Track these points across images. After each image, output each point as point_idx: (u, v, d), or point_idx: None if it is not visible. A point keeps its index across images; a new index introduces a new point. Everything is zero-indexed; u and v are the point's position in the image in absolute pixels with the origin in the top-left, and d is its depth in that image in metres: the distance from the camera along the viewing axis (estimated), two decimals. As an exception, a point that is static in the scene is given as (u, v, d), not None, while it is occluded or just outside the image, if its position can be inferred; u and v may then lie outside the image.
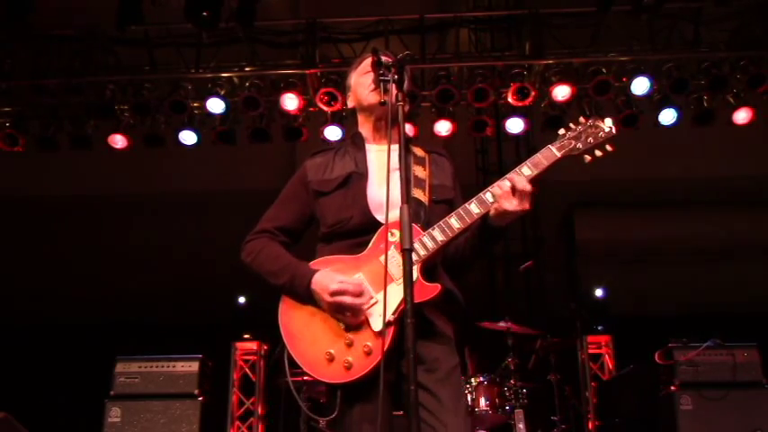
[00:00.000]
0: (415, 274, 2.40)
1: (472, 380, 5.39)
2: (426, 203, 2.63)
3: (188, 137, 6.85)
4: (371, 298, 2.45)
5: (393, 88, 2.48)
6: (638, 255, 9.25)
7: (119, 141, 6.84)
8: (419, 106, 6.68)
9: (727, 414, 5.42)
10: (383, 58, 2.55)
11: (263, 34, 6.65)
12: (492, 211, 2.50)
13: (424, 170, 2.73)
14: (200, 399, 5.90)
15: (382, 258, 2.45)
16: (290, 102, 6.61)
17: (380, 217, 2.54)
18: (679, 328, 6.35)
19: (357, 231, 2.55)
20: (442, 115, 6.75)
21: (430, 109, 6.79)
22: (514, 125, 6.81)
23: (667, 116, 6.60)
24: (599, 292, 8.70)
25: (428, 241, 2.49)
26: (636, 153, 8.36)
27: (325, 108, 6.64)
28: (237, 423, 7.42)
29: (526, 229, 8.73)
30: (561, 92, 6.47)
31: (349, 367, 2.40)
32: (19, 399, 6.33)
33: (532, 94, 6.47)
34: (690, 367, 5.60)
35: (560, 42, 6.49)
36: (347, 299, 2.41)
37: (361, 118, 2.84)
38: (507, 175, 2.58)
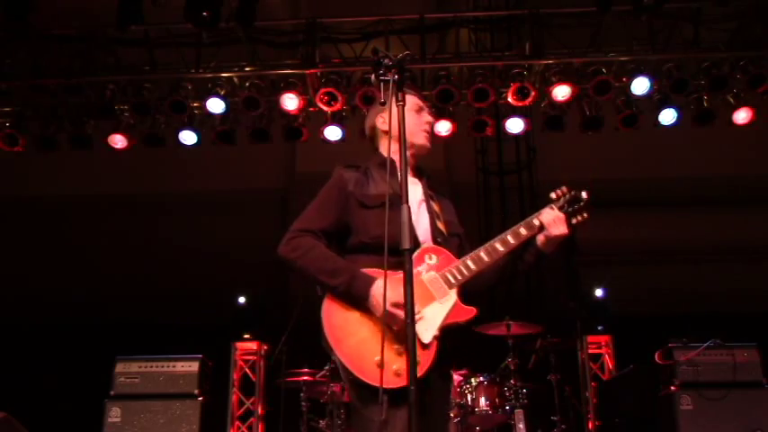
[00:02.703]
0: (454, 296, 2.69)
1: (472, 380, 5.39)
2: (445, 234, 2.86)
3: (188, 137, 6.85)
4: (418, 313, 2.57)
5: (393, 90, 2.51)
6: (638, 255, 9.26)
7: (119, 141, 6.84)
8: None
9: (727, 414, 5.42)
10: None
11: (263, 34, 6.64)
12: (540, 240, 2.84)
13: (437, 206, 2.93)
14: (200, 399, 5.91)
15: (424, 278, 2.69)
16: (290, 102, 6.60)
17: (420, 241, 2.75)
18: (679, 328, 6.35)
19: (398, 249, 2.61)
20: (442, 115, 6.74)
21: (430, 109, 6.77)
22: (514, 125, 6.80)
23: (667, 116, 6.60)
24: (599, 292, 8.70)
25: (463, 269, 2.73)
26: (636, 153, 8.38)
27: (325, 108, 6.64)
28: (237, 423, 7.43)
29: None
30: (561, 92, 6.47)
31: (399, 374, 2.51)
32: (19, 399, 6.33)
33: (532, 94, 6.46)
34: (690, 367, 5.60)
35: (560, 42, 6.49)
36: (402, 312, 2.48)
37: (395, 146, 2.76)
38: (533, 220, 2.87)
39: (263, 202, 9.40)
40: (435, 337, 2.59)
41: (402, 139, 2.55)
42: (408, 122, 2.76)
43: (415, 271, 2.57)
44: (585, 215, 2.99)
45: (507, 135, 7.35)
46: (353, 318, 2.62)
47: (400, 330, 2.54)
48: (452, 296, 2.68)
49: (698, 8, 6.35)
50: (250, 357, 7.68)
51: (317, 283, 2.67)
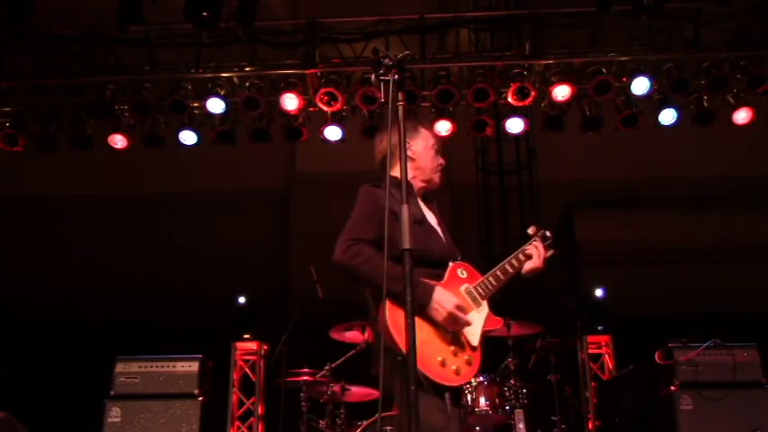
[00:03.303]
0: (486, 307, 3.04)
1: (472, 380, 5.38)
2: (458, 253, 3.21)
3: (188, 137, 6.85)
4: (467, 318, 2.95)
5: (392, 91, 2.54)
6: (638, 255, 9.25)
7: (119, 141, 6.84)
8: (419, 106, 6.68)
9: (727, 414, 5.42)
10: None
11: (263, 34, 6.64)
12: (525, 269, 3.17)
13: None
14: (200, 399, 5.91)
15: (461, 289, 3.01)
16: (290, 102, 6.60)
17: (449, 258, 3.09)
18: (679, 328, 6.35)
19: (435, 263, 3.03)
20: (441, 115, 6.74)
21: (430, 109, 6.78)
22: (514, 125, 6.80)
23: (667, 116, 6.59)
24: (599, 292, 8.70)
25: (488, 284, 3.06)
26: (636, 153, 8.38)
27: (325, 108, 6.64)
28: (237, 423, 7.42)
29: (526, 229, 8.72)
30: (561, 92, 6.46)
31: (458, 373, 2.85)
32: (19, 399, 6.33)
33: (532, 94, 6.46)
34: (690, 367, 5.60)
35: (560, 42, 6.49)
36: (463, 315, 2.88)
37: (415, 172, 3.26)
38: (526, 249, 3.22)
39: (263, 202, 9.41)
40: (480, 342, 2.93)
41: (402, 140, 2.55)
42: (426, 159, 3.26)
43: (449, 283, 2.95)
44: (553, 251, 3.32)
45: (507, 135, 7.36)
46: (416, 320, 2.74)
47: (457, 332, 2.88)
48: (485, 307, 3.03)
49: (698, 8, 6.35)
50: (250, 357, 7.68)
51: (376, 287, 2.84)
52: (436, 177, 3.33)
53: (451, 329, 2.88)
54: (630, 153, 8.32)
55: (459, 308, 2.86)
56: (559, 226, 9.30)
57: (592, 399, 7.30)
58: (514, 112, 6.74)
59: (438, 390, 2.79)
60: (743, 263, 9.22)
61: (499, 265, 3.13)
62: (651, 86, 6.42)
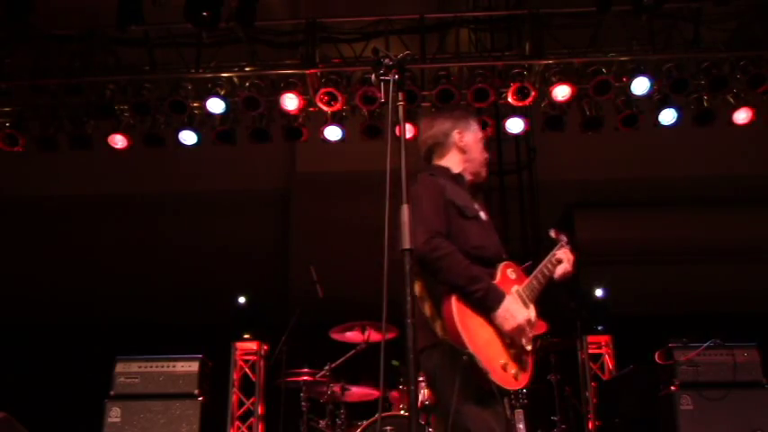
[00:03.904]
0: (533, 310, 2.97)
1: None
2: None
3: (188, 137, 6.85)
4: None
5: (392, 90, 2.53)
6: (638, 255, 9.25)
7: (119, 141, 6.84)
8: (419, 106, 6.68)
9: (727, 414, 5.42)
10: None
11: (263, 34, 6.64)
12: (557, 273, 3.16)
13: None
14: (200, 399, 5.91)
15: (513, 291, 2.95)
16: (290, 102, 6.60)
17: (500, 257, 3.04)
18: (679, 328, 6.35)
19: (490, 261, 2.97)
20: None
21: (430, 109, 6.78)
22: (514, 125, 6.80)
23: (667, 116, 6.59)
24: (599, 292, 8.69)
25: (533, 286, 3.05)
26: (636, 153, 8.37)
27: (325, 108, 6.64)
28: (237, 423, 7.42)
29: (526, 229, 8.73)
30: (561, 92, 6.46)
31: (516, 378, 2.82)
32: (19, 399, 6.33)
33: (532, 94, 6.46)
34: (690, 367, 5.60)
35: (560, 42, 6.49)
36: (531, 329, 2.88)
37: (465, 165, 3.20)
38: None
39: (263, 202, 9.40)
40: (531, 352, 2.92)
41: (403, 137, 2.55)
42: (476, 152, 3.20)
43: (502, 283, 2.90)
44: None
45: (507, 135, 7.35)
46: (478, 322, 2.79)
47: (517, 341, 2.85)
48: (533, 309, 2.96)
49: (698, 8, 6.35)
50: (250, 357, 7.68)
51: (452, 284, 2.77)
52: (484, 171, 3.26)
53: (517, 342, 2.86)
54: (630, 153, 8.31)
55: (529, 322, 2.84)
56: (559, 226, 9.29)
57: (592, 399, 7.30)
58: (514, 112, 6.74)
59: (501, 394, 2.77)
60: (743, 263, 9.21)
61: (537, 269, 3.12)
62: (651, 86, 6.42)
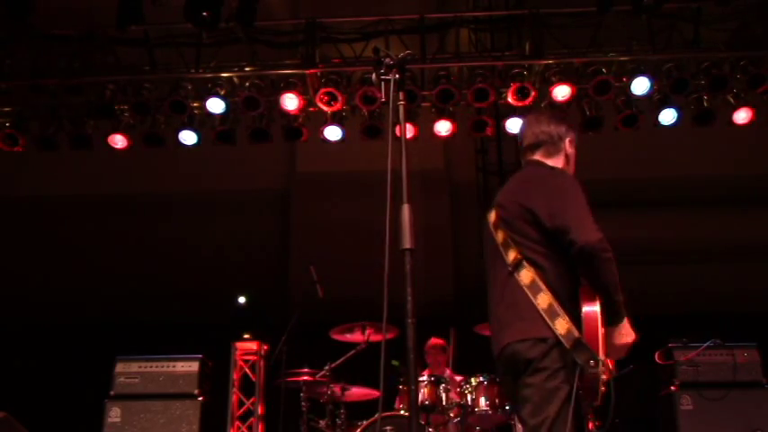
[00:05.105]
0: None
1: (472, 380, 5.39)
2: None
3: (188, 137, 6.85)
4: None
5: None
6: (638, 255, 9.24)
7: (119, 141, 6.84)
8: (419, 106, 6.68)
9: (727, 414, 5.43)
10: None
11: (263, 34, 6.64)
12: None
13: None
14: (201, 399, 5.91)
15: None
16: (290, 102, 6.60)
17: None
18: (679, 328, 6.35)
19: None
20: (441, 115, 6.74)
21: (430, 109, 6.78)
22: (514, 125, 6.80)
23: (667, 116, 6.59)
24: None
25: None
26: (636, 153, 8.37)
27: (325, 108, 6.64)
28: (237, 423, 7.41)
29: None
30: (561, 92, 6.46)
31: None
32: (19, 399, 6.33)
33: (532, 94, 6.46)
34: (690, 367, 5.61)
35: (560, 42, 6.48)
36: None
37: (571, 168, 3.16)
38: None
39: (263, 202, 9.40)
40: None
41: (403, 137, 2.54)
42: (574, 163, 3.18)
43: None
44: None
45: (507, 135, 7.35)
46: (602, 330, 2.73)
47: (615, 354, 2.83)
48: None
49: (698, 8, 6.34)
50: (250, 357, 7.66)
51: (607, 286, 2.73)
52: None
53: (612, 350, 2.81)
54: (630, 153, 8.31)
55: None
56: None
57: (592, 399, 7.29)
58: (514, 112, 6.74)
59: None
60: (743, 263, 9.21)
61: None
62: (651, 86, 6.41)
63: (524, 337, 2.71)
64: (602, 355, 2.64)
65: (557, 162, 3.11)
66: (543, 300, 2.71)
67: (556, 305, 2.69)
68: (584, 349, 2.62)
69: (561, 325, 2.66)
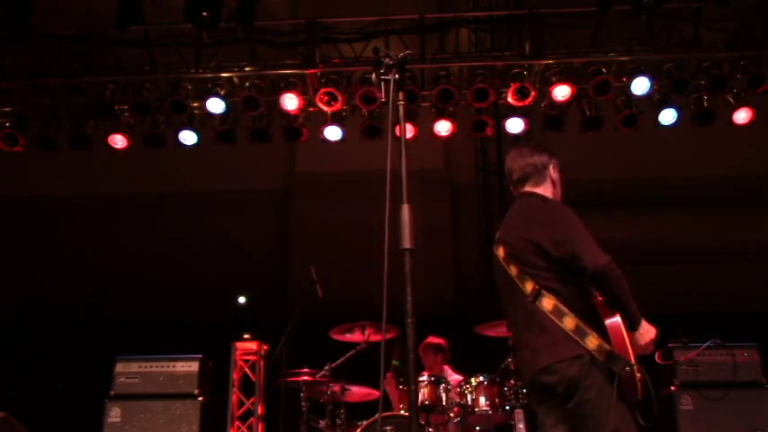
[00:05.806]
0: None
1: (472, 380, 5.39)
2: None
3: (188, 137, 6.85)
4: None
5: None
6: (638, 255, 9.24)
7: (119, 141, 6.84)
8: (419, 106, 6.68)
9: (727, 414, 5.43)
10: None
11: (263, 34, 6.64)
12: None
13: None
14: (200, 399, 5.91)
15: None
16: (290, 102, 6.60)
17: None
18: (679, 328, 6.35)
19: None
20: (441, 115, 6.74)
21: (430, 109, 6.78)
22: (514, 125, 6.79)
23: (667, 116, 6.59)
24: (599, 292, 8.68)
25: None
26: (636, 153, 8.37)
27: (325, 108, 6.64)
28: (237, 423, 7.41)
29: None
30: (561, 92, 6.46)
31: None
32: (19, 399, 6.33)
33: (532, 94, 6.46)
34: (690, 367, 5.61)
35: (560, 42, 6.48)
36: None
37: (552, 195, 3.37)
38: None
39: (263, 202, 9.40)
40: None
41: (403, 137, 2.54)
42: (560, 186, 3.39)
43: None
44: None
45: (507, 135, 7.35)
46: (628, 337, 3.01)
47: (641, 352, 3.05)
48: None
49: (698, 8, 6.35)
50: (250, 357, 7.66)
51: (623, 300, 3.00)
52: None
53: (638, 350, 3.03)
54: (630, 153, 8.31)
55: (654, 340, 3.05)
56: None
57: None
58: (514, 112, 6.73)
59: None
60: (743, 263, 9.21)
61: None
62: (651, 86, 6.41)
63: (562, 357, 2.96)
64: (633, 359, 2.89)
65: (546, 189, 3.34)
66: (569, 322, 2.97)
67: (582, 324, 2.96)
68: (618, 359, 2.88)
69: (592, 342, 2.92)
